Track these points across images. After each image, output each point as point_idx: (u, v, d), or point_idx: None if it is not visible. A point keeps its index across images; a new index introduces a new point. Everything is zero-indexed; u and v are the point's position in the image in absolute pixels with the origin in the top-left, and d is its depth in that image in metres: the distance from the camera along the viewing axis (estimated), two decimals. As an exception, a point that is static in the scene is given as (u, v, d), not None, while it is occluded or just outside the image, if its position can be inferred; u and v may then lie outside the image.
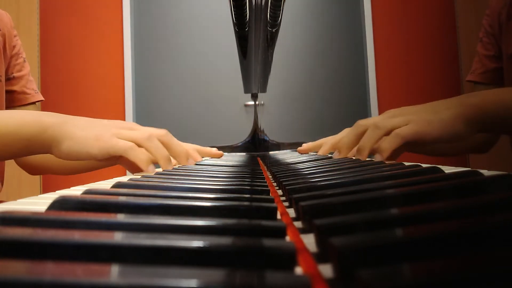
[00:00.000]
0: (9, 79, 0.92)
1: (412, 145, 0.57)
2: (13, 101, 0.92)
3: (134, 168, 0.54)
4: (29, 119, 0.55)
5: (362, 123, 0.61)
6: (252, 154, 1.22)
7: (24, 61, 0.95)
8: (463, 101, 0.57)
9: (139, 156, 0.52)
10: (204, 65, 2.70)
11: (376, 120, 0.58)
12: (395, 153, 0.57)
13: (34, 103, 0.96)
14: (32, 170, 0.96)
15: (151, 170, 0.52)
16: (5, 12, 0.92)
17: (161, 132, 0.57)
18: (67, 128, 0.53)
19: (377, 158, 0.56)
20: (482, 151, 0.98)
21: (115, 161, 0.56)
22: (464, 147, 0.96)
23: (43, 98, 0.98)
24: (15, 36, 0.93)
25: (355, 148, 0.62)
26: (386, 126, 0.56)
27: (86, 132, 0.53)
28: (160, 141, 0.55)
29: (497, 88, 0.62)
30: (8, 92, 0.91)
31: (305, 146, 0.89)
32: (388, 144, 0.55)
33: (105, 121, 0.56)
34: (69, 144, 0.52)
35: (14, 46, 0.92)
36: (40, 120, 0.54)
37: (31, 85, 0.95)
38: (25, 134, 0.54)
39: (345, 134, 0.65)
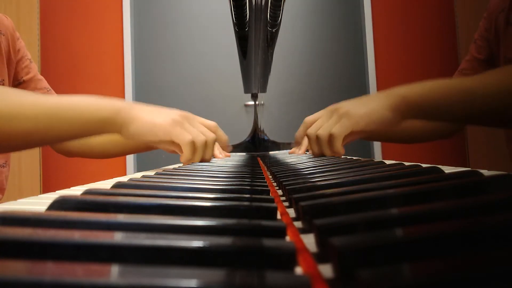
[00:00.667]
0: (20, 84, 0.93)
1: (355, 134, 0.65)
2: None
3: (191, 160, 0.64)
4: (104, 103, 0.60)
5: (308, 119, 0.73)
6: (252, 154, 1.22)
7: (30, 61, 0.96)
8: (390, 92, 0.65)
9: (187, 154, 0.61)
10: (204, 65, 2.70)
11: (313, 130, 0.68)
12: (347, 142, 0.67)
13: None
14: (69, 153, 0.98)
15: (186, 164, 0.61)
16: (5, 16, 0.92)
17: (212, 123, 0.70)
18: (136, 112, 0.60)
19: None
20: (445, 137, 1.02)
21: (168, 146, 0.64)
22: (425, 134, 1.00)
23: (55, 94, 0.99)
24: (18, 39, 0.94)
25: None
26: (325, 135, 0.65)
27: (152, 117, 0.60)
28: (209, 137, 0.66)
29: (428, 80, 0.68)
30: None
31: (294, 149, 0.98)
32: (334, 148, 0.64)
33: (167, 109, 0.65)
34: (137, 126, 0.59)
35: (18, 50, 0.93)
36: (113, 104, 0.60)
37: (41, 84, 0.96)
38: (102, 116, 0.59)
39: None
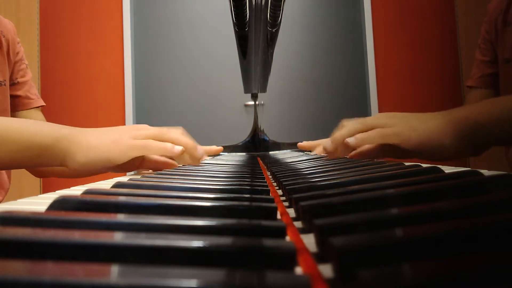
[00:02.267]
0: (13, 84, 0.95)
1: (393, 150, 0.56)
2: (17, 105, 0.96)
3: (159, 165, 0.58)
4: (45, 128, 0.53)
5: (346, 121, 0.61)
6: (252, 154, 1.22)
7: (27, 67, 1.00)
8: (451, 113, 0.55)
9: (161, 145, 0.53)
10: (204, 65, 2.70)
11: (361, 119, 0.58)
12: (373, 153, 0.58)
13: (37, 107, 0.99)
14: (37, 173, 0.97)
15: (180, 151, 0.54)
16: (8, 20, 0.96)
17: (173, 128, 0.59)
18: (82, 138, 0.52)
19: (345, 148, 0.56)
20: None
21: (138, 165, 0.57)
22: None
23: (44, 104, 1.01)
24: (18, 43, 0.97)
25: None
26: (369, 123, 0.56)
27: (101, 139, 0.52)
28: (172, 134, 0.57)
29: (484, 100, 0.60)
30: (13, 96, 0.95)
31: (305, 143, 0.90)
32: (365, 135, 0.54)
33: (118, 127, 0.56)
34: (86, 153, 0.50)
35: (17, 53, 0.96)
36: (54, 130, 0.53)
37: (33, 91, 1.00)
38: (38, 142, 0.51)
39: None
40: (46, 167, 0.56)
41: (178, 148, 0.53)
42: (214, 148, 0.81)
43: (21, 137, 0.52)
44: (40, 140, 0.51)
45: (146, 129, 0.55)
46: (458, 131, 0.52)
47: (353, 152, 0.60)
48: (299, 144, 0.91)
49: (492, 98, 0.62)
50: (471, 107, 0.58)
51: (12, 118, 0.56)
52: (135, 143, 0.52)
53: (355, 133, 0.56)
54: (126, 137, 0.52)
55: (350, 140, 0.54)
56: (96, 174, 0.56)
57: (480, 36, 1.02)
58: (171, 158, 0.60)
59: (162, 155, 0.58)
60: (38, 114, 0.99)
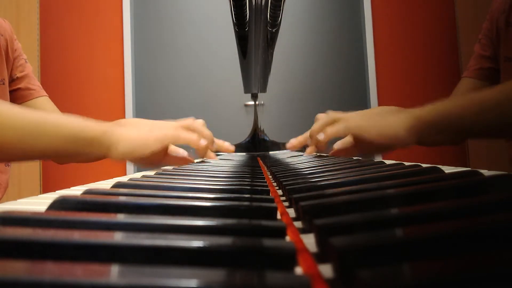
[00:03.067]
0: (13, 80, 0.97)
1: (363, 146, 0.65)
2: (19, 98, 0.97)
3: (179, 160, 0.66)
4: (92, 123, 0.58)
5: (319, 114, 0.72)
6: (252, 154, 1.22)
7: (26, 61, 1.01)
8: (408, 113, 0.63)
9: (189, 136, 0.62)
10: (204, 65, 2.70)
11: (330, 112, 0.68)
12: (348, 151, 0.67)
13: (45, 97, 1.00)
14: (59, 160, 0.98)
15: (204, 145, 0.63)
16: (4, 20, 0.98)
17: (199, 121, 0.69)
18: (121, 130, 0.59)
19: (317, 142, 0.66)
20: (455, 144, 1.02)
21: (161, 159, 0.64)
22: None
23: (46, 94, 1.02)
24: (15, 40, 0.99)
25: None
26: (336, 117, 0.65)
27: (138, 131, 0.60)
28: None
29: (453, 98, 0.66)
30: (14, 90, 0.97)
31: (293, 141, 0.92)
32: (333, 129, 0.64)
33: (150, 121, 0.65)
34: (126, 144, 0.58)
35: (15, 50, 0.98)
36: (99, 124, 0.59)
37: (34, 82, 1.01)
38: (89, 135, 0.56)
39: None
40: (90, 157, 0.60)
41: (203, 142, 0.63)
42: (225, 145, 0.87)
43: (71, 130, 0.56)
44: (90, 134, 0.57)
45: (175, 122, 0.65)
46: (412, 127, 0.61)
47: (332, 152, 0.71)
48: (288, 145, 0.93)
49: (458, 96, 0.67)
50: (423, 108, 0.65)
51: (60, 114, 0.61)
52: (167, 132, 0.61)
53: (324, 126, 0.66)
54: (158, 127, 0.62)
55: (320, 136, 0.65)
56: (137, 163, 0.63)
57: (481, 32, 1.03)
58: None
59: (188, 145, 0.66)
60: (48, 103, 1.01)
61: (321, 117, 0.70)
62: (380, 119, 0.63)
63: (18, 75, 0.98)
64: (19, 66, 0.98)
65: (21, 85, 0.98)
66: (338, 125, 0.64)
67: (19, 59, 0.99)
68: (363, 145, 0.66)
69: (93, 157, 0.60)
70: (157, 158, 0.63)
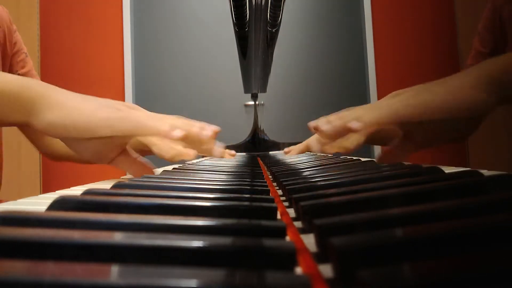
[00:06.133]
0: None
1: (413, 133, 0.45)
2: None
3: (134, 167, 0.47)
4: (10, 76, 0.45)
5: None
6: (252, 154, 1.22)
7: (26, 55, 0.93)
8: (467, 71, 0.45)
9: (159, 124, 0.41)
10: (204, 65, 2.70)
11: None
12: (392, 149, 0.49)
13: None
14: (54, 157, 0.91)
15: (179, 135, 0.41)
16: (2, 7, 0.89)
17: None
18: (59, 94, 0.43)
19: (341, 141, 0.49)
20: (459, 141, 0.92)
21: (112, 157, 0.46)
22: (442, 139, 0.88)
23: None
24: (15, 31, 0.90)
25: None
26: (354, 114, 0.44)
27: (84, 103, 0.42)
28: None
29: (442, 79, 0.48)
30: None
31: (291, 150, 0.87)
32: (368, 114, 0.42)
33: (98, 98, 0.45)
34: (58, 113, 0.41)
35: (15, 43, 0.90)
36: (23, 79, 0.45)
37: (36, 79, 0.94)
38: (3, 88, 0.43)
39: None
40: (11, 123, 0.44)
41: (178, 133, 0.41)
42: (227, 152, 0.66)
43: None
44: (4, 87, 0.42)
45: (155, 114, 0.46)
46: (485, 82, 0.42)
47: (378, 157, 0.51)
48: (285, 151, 0.88)
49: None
50: (493, 60, 0.47)
51: None
52: (128, 116, 0.41)
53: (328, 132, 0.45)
54: (116, 109, 0.42)
55: (354, 125, 0.41)
56: (73, 149, 0.44)
57: (481, 22, 0.96)
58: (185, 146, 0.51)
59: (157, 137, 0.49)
60: None
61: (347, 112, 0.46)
62: (435, 87, 0.42)
63: (20, 71, 0.89)
64: (20, 61, 0.90)
65: None
66: (377, 110, 0.42)
67: (20, 53, 0.90)
68: (419, 134, 0.45)
69: (15, 122, 0.44)
70: (105, 151, 0.44)
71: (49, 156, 0.93)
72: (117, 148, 0.45)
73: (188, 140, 0.43)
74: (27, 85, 0.43)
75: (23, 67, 0.91)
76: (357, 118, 0.42)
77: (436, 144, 0.46)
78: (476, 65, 0.45)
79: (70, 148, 0.44)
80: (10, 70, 0.89)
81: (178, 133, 0.41)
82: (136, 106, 0.49)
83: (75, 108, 0.41)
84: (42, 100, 0.42)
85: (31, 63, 0.95)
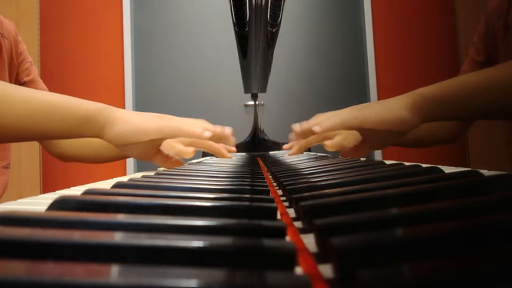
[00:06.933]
0: (20, 84, 0.95)
1: (371, 137, 0.61)
2: None
3: (169, 160, 0.61)
4: (85, 101, 0.56)
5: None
6: (252, 154, 1.22)
7: (31, 64, 0.99)
8: (409, 93, 0.59)
9: (193, 128, 0.56)
10: (204, 65, 2.70)
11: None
12: (358, 149, 0.63)
13: None
14: (63, 158, 0.98)
15: (209, 136, 0.56)
16: (8, 20, 0.95)
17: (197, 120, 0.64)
18: (120, 111, 0.55)
19: (315, 130, 0.59)
20: (451, 141, 0.98)
21: (152, 156, 0.60)
22: (430, 138, 0.95)
23: None
24: (20, 42, 0.96)
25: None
26: (332, 112, 0.61)
27: (139, 116, 0.56)
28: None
29: (448, 79, 0.62)
30: None
31: (292, 147, 0.91)
32: (329, 121, 0.58)
33: (155, 114, 0.60)
34: (123, 125, 0.54)
35: (20, 53, 0.96)
36: (95, 103, 0.56)
37: (41, 86, 1.00)
38: (83, 113, 0.54)
39: None
40: (83, 137, 0.57)
41: (208, 134, 0.55)
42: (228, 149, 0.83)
43: (66, 107, 0.55)
44: (84, 112, 0.55)
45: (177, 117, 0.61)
46: (417, 104, 0.57)
47: (342, 152, 0.67)
48: (285, 146, 0.93)
49: (457, 76, 0.64)
50: (433, 85, 0.61)
51: (54, 93, 0.59)
52: (170, 123, 0.56)
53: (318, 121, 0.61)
54: (160, 117, 0.57)
55: (316, 128, 0.58)
56: (126, 152, 0.58)
57: (476, 34, 1.00)
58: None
59: (193, 139, 0.63)
60: None
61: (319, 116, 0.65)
62: (378, 105, 0.59)
63: (25, 79, 0.96)
64: (25, 69, 0.96)
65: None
66: (334, 118, 0.59)
67: (25, 62, 0.97)
68: (369, 139, 0.61)
69: (87, 137, 0.56)
70: (150, 150, 0.58)
71: (59, 157, 0.99)
72: (156, 148, 0.59)
73: (214, 138, 0.58)
74: (99, 109, 0.55)
75: (28, 75, 0.97)
76: (319, 122, 0.58)
77: (383, 146, 0.62)
78: (415, 90, 0.60)
79: (121, 151, 0.57)
80: (17, 78, 0.95)
81: (207, 134, 0.56)
82: (172, 116, 0.61)
83: (133, 121, 0.55)
84: (109, 119, 0.54)
85: (36, 71, 1.00)
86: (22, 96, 0.54)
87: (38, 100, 0.54)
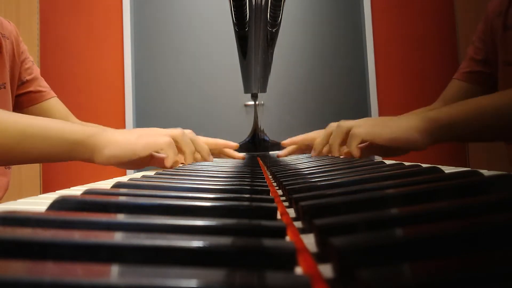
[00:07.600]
0: (23, 83, 0.97)
1: (380, 148, 0.67)
2: (30, 101, 0.97)
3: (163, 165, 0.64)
4: (77, 126, 0.59)
5: (331, 124, 0.74)
6: (252, 154, 1.22)
7: (32, 63, 1.00)
8: (421, 116, 0.64)
9: (170, 154, 0.60)
10: (204, 65, 2.70)
11: (341, 122, 0.70)
12: (364, 152, 0.67)
13: (55, 97, 1.01)
14: None
15: (170, 167, 0.60)
16: (8, 21, 0.96)
17: (188, 131, 0.69)
18: (108, 134, 0.58)
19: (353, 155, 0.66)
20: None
21: (147, 162, 0.64)
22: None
23: (55, 95, 1.02)
24: (21, 42, 0.98)
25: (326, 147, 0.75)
26: (345, 126, 0.67)
27: (126, 136, 0.59)
28: (189, 137, 0.66)
29: (459, 102, 0.68)
30: (25, 94, 0.96)
31: (284, 151, 0.98)
32: (351, 144, 0.65)
33: (140, 129, 0.64)
34: (112, 148, 0.57)
35: (22, 52, 0.97)
36: (84, 129, 0.59)
37: (43, 83, 1.01)
38: (73, 138, 0.57)
39: (318, 135, 0.79)
40: (76, 160, 0.60)
41: (169, 166, 0.59)
42: (235, 154, 0.90)
43: (55, 133, 0.57)
44: (74, 137, 0.57)
45: (166, 132, 0.64)
46: (428, 128, 0.62)
47: (345, 152, 0.71)
48: (278, 154, 0.98)
49: (465, 100, 0.68)
50: (442, 109, 0.66)
51: (46, 118, 0.61)
52: (158, 141, 0.59)
53: (334, 139, 0.68)
54: (148, 135, 0.60)
55: (353, 153, 0.65)
56: (122, 168, 0.63)
57: (475, 34, 1.01)
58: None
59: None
60: (59, 104, 1.01)
61: (332, 127, 0.71)
62: (391, 123, 0.64)
63: (27, 78, 0.97)
64: (27, 68, 0.97)
65: (32, 87, 0.97)
66: (350, 139, 0.65)
67: (26, 61, 0.98)
68: (377, 149, 0.67)
69: (83, 159, 0.59)
70: (143, 162, 0.63)
71: None
72: (149, 157, 0.63)
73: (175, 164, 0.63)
74: (88, 136, 0.58)
75: (30, 74, 0.98)
76: (349, 146, 0.66)
77: (387, 156, 0.71)
78: (426, 114, 0.64)
79: (117, 166, 0.61)
80: (19, 77, 0.96)
81: (168, 165, 0.60)
82: (159, 130, 0.65)
83: (122, 142, 0.58)
84: (98, 144, 0.57)
85: (38, 69, 1.02)
86: (13, 122, 0.56)
87: (29, 125, 0.56)
